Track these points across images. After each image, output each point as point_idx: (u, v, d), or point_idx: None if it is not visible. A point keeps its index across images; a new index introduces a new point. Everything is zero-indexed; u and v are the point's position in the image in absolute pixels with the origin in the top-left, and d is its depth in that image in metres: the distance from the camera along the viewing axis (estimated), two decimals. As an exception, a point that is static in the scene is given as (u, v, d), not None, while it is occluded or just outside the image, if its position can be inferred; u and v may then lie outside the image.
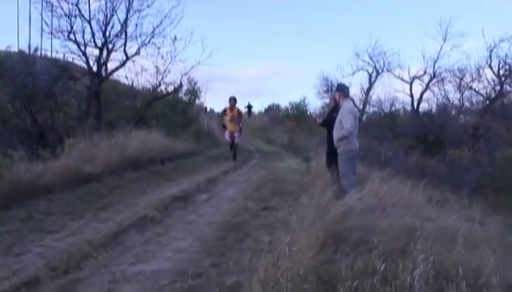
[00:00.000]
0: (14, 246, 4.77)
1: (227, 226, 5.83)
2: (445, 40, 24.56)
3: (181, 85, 18.40)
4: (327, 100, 28.88)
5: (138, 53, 15.40)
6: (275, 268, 3.56)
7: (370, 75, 28.14)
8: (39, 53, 16.58)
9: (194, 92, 21.68)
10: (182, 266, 4.34)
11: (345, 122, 7.02)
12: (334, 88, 22.92)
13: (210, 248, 4.93)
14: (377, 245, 3.84)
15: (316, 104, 46.42)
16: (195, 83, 21.61)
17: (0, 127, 11.02)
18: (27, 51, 15.87)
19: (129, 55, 15.26)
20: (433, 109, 25.20)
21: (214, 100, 76.33)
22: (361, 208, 5.34)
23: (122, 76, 17.70)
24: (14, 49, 14.58)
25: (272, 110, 49.09)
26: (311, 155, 13.60)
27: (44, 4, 13.86)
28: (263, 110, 51.88)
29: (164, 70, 17.14)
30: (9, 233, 5.19)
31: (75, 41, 14.23)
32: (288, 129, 33.50)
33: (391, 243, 4.05)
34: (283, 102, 56.85)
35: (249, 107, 48.82)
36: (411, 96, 26.38)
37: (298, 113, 38.31)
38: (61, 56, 15.41)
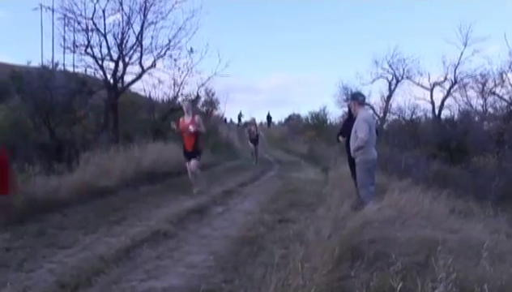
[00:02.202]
0: (25, 261, 4.71)
1: (241, 240, 5.69)
2: (465, 45, 24.27)
3: (198, 96, 18.43)
4: (346, 109, 28.69)
5: (154, 65, 15.50)
6: (286, 285, 3.41)
7: (390, 83, 27.93)
8: (59, 68, 16.80)
9: (211, 104, 21.72)
10: (194, 282, 4.22)
11: (359, 132, 6.89)
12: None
13: (223, 263, 4.80)
14: (395, 260, 3.66)
15: (336, 113, 46.07)
16: (213, 95, 21.70)
17: (20, 142, 11.12)
18: (48, 66, 16.10)
19: (145, 68, 15.36)
20: (455, 116, 24.80)
21: (235, 111, 76.49)
22: (380, 220, 5.17)
23: (139, 89, 17.78)
24: (35, 64, 14.79)
25: (292, 120, 49.01)
26: (330, 165, 13.44)
27: (65, 20, 14.01)
28: (283, 120, 51.88)
29: (181, 82, 17.22)
30: (21, 248, 5.14)
31: (92, 55, 14.36)
32: (307, 139, 33.34)
33: (411, 258, 3.87)
34: (304, 112, 56.77)
35: (269, 118, 48.86)
36: (432, 103, 26.08)
37: (318, 123, 38.09)
38: (81, 70, 15.58)
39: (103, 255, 4.86)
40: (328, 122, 37.62)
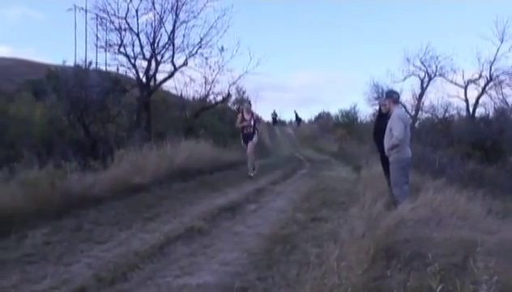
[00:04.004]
0: (64, 255, 4.83)
1: (274, 238, 5.69)
2: (502, 41, 23.71)
3: (229, 95, 18.52)
4: (377, 107, 28.34)
5: (185, 63, 15.65)
6: (322, 284, 3.39)
7: (422, 81, 27.45)
8: (93, 67, 17.10)
9: (242, 102, 21.77)
10: (228, 279, 4.24)
11: (395, 130, 6.79)
12: (384, 95, 22.49)
13: (257, 261, 4.80)
14: (432, 260, 3.59)
15: (366, 111, 45.56)
16: (244, 93, 21.73)
17: (56, 139, 11.37)
18: (81, 65, 16.39)
19: (177, 66, 15.50)
20: (490, 114, 24.22)
21: (264, 109, 76.59)
22: (414, 220, 5.10)
23: (171, 87, 17.95)
24: (70, 63, 15.10)
25: (322, 118, 48.73)
26: (362, 163, 13.31)
27: (98, 19, 14.27)
28: (313, 119, 51.58)
29: (212, 80, 17.34)
30: (60, 242, 5.27)
31: (125, 54, 14.57)
32: (338, 137, 33.11)
33: (448, 259, 3.80)
34: (334, 110, 56.37)
35: (297, 116, 48.67)
36: (467, 100, 25.57)
37: (348, 121, 37.77)
38: (113, 69, 15.84)
39: (138, 251, 4.94)
40: (358, 120, 37.31)
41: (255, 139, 12.01)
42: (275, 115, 45.67)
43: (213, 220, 6.59)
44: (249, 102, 13.65)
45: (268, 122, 43.87)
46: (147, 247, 5.09)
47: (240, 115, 12.25)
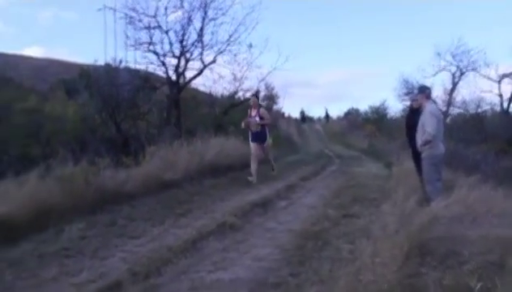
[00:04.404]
0: (99, 250, 4.93)
1: (306, 234, 5.67)
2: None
3: (258, 91, 18.51)
4: (408, 103, 27.92)
5: (214, 61, 15.68)
6: (356, 280, 3.38)
7: (453, 75, 27.03)
8: (122, 66, 17.33)
9: (271, 98, 21.76)
10: (261, 275, 4.26)
11: (427, 126, 6.70)
12: (414, 90, 22.12)
13: (289, 257, 4.80)
14: (468, 258, 3.54)
15: (396, 107, 44.98)
16: (272, 89, 21.71)
17: (88, 136, 11.59)
18: (112, 64, 16.64)
19: (206, 63, 15.56)
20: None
21: (293, 106, 76.51)
22: (448, 217, 5.01)
23: (200, 84, 18.09)
24: (101, 62, 15.33)
25: (351, 115, 48.44)
26: (393, 160, 13.16)
27: (128, 18, 14.45)
28: (342, 115, 51.32)
29: (241, 77, 17.34)
30: (95, 237, 5.39)
31: (155, 52, 14.73)
32: (367, 133, 32.86)
33: (484, 257, 3.72)
34: (363, 106, 55.89)
35: (327, 113, 48.42)
36: (501, 95, 24.98)
37: (378, 117, 37.41)
38: (142, 67, 16.01)
39: (171, 246, 5.00)
40: (388, 116, 36.91)
41: (269, 140, 10.62)
42: (303, 114, 45.57)
43: (245, 216, 6.61)
44: (256, 95, 11.66)
45: (296, 119, 43.78)
46: (180, 242, 5.14)
47: (249, 111, 10.71)
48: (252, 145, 10.44)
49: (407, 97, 28.51)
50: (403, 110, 28.70)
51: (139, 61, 14.81)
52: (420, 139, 6.90)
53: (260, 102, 19.50)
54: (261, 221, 6.54)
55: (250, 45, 16.21)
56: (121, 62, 14.49)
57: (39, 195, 5.87)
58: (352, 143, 29.93)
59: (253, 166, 10.15)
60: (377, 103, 39.03)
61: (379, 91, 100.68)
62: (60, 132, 11.68)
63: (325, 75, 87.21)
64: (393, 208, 5.68)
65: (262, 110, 10.59)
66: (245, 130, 10.65)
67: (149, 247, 5.04)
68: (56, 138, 11.10)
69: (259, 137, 10.39)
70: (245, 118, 10.50)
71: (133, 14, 14.31)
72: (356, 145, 28.37)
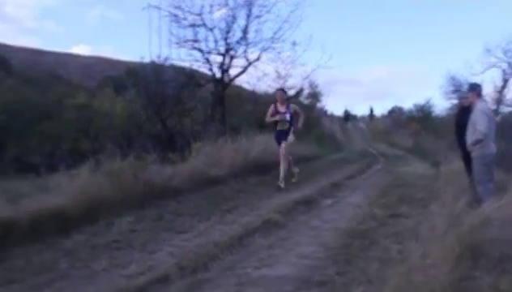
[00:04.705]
0: (148, 243, 5.03)
1: (352, 233, 5.61)
2: None
3: (302, 89, 18.43)
4: (455, 101, 27.16)
5: (258, 58, 15.70)
6: (407, 281, 3.31)
7: (504, 72, 26.01)
8: (167, 63, 17.59)
9: (315, 96, 21.62)
10: (306, 273, 4.23)
11: (479, 124, 6.49)
12: (462, 88, 21.52)
13: (335, 255, 4.75)
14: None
15: (443, 105, 43.85)
16: (316, 87, 21.57)
17: (135, 132, 11.85)
18: (157, 61, 16.93)
19: (250, 61, 15.60)
20: None
21: (336, 104, 75.94)
22: (501, 219, 4.82)
23: (244, 82, 18.12)
24: (147, 60, 15.62)
25: (395, 113, 47.68)
26: (440, 159, 12.86)
27: (171, 16, 14.64)
28: (386, 113, 50.58)
29: (285, 75, 17.29)
30: (143, 231, 5.50)
31: (199, 50, 14.88)
32: (412, 132, 32.22)
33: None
34: (407, 104, 54.89)
35: (371, 111, 47.81)
36: (556, 92, 23.92)
37: (423, 116, 36.61)
38: (186, 64, 16.17)
39: (217, 242, 5.03)
40: (434, 114, 36.03)
41: (291, 138, 9.13)
42: (347, 112, 45.05)
43: (289, 213, 6.60)
44: (283, 89, 10.22)
45: (339, 118, 43.40)
46: (226, 238, 5.18)
47: (272, 106, 9.30)
48: (277, 146, 9.39)
49: (454, 95, 27.71)
50: (450, 108, 27.88)
51: (184, 58, 14.99)
52: (470, 138, 6.70)
53: (303, 100, 19.13)
54: (305, 218, 6.51)
55: (294, 43, 16.14)
56: (166, 59, 14.70)
57: (90, 188, 6.05)
58: (396, 142, 29.44)
59: (282, 168, 9.00)
60: (422, 101, 38.21)
61: (424, 89, 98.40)
62: (108, 128, 12.00)
63: (369, 72, 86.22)
64: (441, 209, 5.54)
65: (294, 106, 9.48)
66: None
67: (196, 242, 5.10)
68: (104, 133, 11.41)
69: (284, 135, 9.19)
70: (273, 113, 9.25)
71: (178, 12, 14.49)
72: (400, 144, 27.90)
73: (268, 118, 9.30)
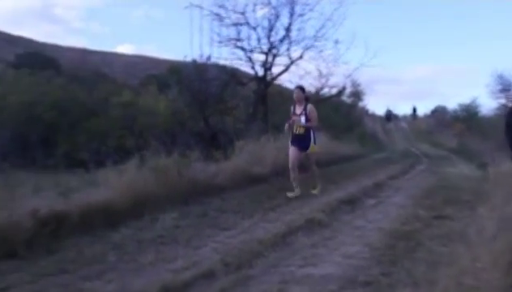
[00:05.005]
0: (192, 239, 5.10)
1: (396, 234, 5.52)
2: None
3: (344, 88, 18.27)
4: (503, 101, 26.32)
5: (301, 57, 15.67)
6: (457, 284, 3.24)
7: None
8: (210, 62, 17.78)
9: (357, 95, 21.39)
10: (351, 272, 4.19)
11: None
12: (511, 87, 20.79)
13: (379, 256, 4.69)
14: None
15: (489, 105, 42.56)
16: (358, 86, 21.33)
17: (178, 129, 12.04)
18: (199, 60, 17.14)
19: (293, 59, 15.60)
20: None
21: (377, 103, 74.93)
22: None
23: (285, 80, 18.15)
24: (189, 58, 15.85)
25: (438, 112, 46.66)
26: (487, 161, 12.49)
27: (213, 15, 14.79)
28: (429, 113, 49.55)
29: (327, 73, 17.19)
30: (188, 227, 5.59)
31: (242, 48, 14.98)
32: (456, 132, 31.43)
33: None
34: (451, 104, 53.53)
35: (414, 110, 46.90)
36: None
37: (468, 115, 35.62)
38: (227, 63, 16.31)
39: (261, 239, 5.06)
40: (480, 114, 34.99)
41: (314, 148, 7.95)
42: (389, 113, 44.11)
43: (332, 213, 6.56)
44: (301, 87, 8.27)
45: (381, 117, 42.70)
46: (269, 236, 5.20)
47: (292, 108, 8.06)
48: (291, 150, 7.92)
49: (501, 94, 26.83)
50: (498, 108, 27.00)
51: (226, 57, 15.12)
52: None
53: (345, 99, 18.68)
54: (349, 218, 6.46)
55: (337, 41, 16.04)
56: (208, 58, 14.88)
57: (136, 184, 6.21)
58: (439, 142, 28.78)
59: (292, 176, 7.88)
60: (467, 100, 37.19)
61: (469, 88, 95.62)
62: (152, 125, 12.23)
63: (411, 71, 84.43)
64: (490, 212, 5.37)
65: (309, 107, 7.86)
66: (331, 126, 10.23)
67: (240, 239, 5.15)
68: (148, 130, 11.64)
69: (301, 142, 7.85)
70: (288, 118, 8.01)
71: (221, 11, 14.62)
72: (444, 144, 27.25)
73: (286, 128, 7.93)
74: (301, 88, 8.15)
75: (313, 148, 7.86)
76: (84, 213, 5.28)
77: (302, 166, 8.15)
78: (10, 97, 12.52)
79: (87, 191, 5.88)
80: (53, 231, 4.80)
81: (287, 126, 7.81)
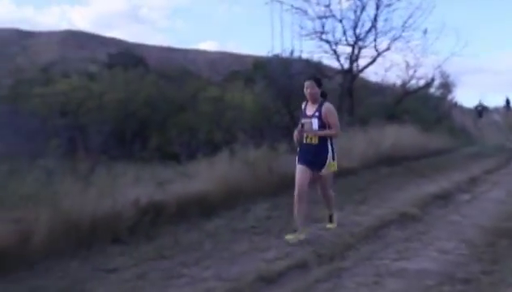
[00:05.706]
0: (284, 230, 5.15)
1: (496, 231, 5.28)
2: None
3: (432, 79, 17.62)
4: None
5: (389, 48, 15.31)
6: None
7: None
8: (293, 56, 17.80)
9: (446, 86, 20.49)
10: (448, 268, 4.09)
11: None
12: None
13: (478, 253, 4.53)
14: None
15: None
16: (448, 77, 20.41)
17: (265, 124, 12.20)
18: (281, 54, 17.21)
19: (379, 51, 15.28)
20: None
21: (466, 95, 70.99)
22: None
23: (371, 72, 17.79)
24: (273, 53, 15.94)
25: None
26: None
27: (295, 9, 14.75)
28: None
29: (415, 64, 16.66)
30: (279, 218, 5.73)
31: (327, 41, 14.87)
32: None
33: None
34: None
35: (508, 102, 44.34)
36: None
37: None
38: (310, 56, 16.23)
39: (353, 232, 5.08)
40: None
41: (330, 167, 5.25)
42: (481, 107, 41.46)
43: (425, 207, 6.44)
44: (316, 78, 5.42)
45: (471, 110, 40.49)
46: (361, 229, 5.21)
47: (302, 106, 5.38)
48: (298, 169, 5.30)
49: None
50: None
51: (311, 50, 15.07)
52: None
53: (434, 91, 17.89)
54: (442, 213, 6.29)
55: (425, 31, 15.48)
56: (292, 52, 14.89)
57: (229, 176, 6.42)
58: (537, 136, 26.83)
59: (297, 209, 5.14)
60: None
61: None
62: (239, 120, 12.48)
63: (504, 60, 78.93)
64: None
65: (326, 107, 5.16)
66: (420, 119, 9.90)
67: (332, 232, 5.20)
68: (235, 125, 11.89)
69: (313, 156, 5.18)
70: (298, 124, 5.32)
71: (305, 5, 14.59)
72: (543, 139, 25.36)
73: (295, 137, 5.31)
74: (316, 80, 5.30)
75: (331, 165, 5.28)
76: (180, 203, 5.56)
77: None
78: (107, 95, 13.27)
79: (182, 182, 6.15)
80: (152, 219, 5.09)
81: (295, 134, 5.28)
